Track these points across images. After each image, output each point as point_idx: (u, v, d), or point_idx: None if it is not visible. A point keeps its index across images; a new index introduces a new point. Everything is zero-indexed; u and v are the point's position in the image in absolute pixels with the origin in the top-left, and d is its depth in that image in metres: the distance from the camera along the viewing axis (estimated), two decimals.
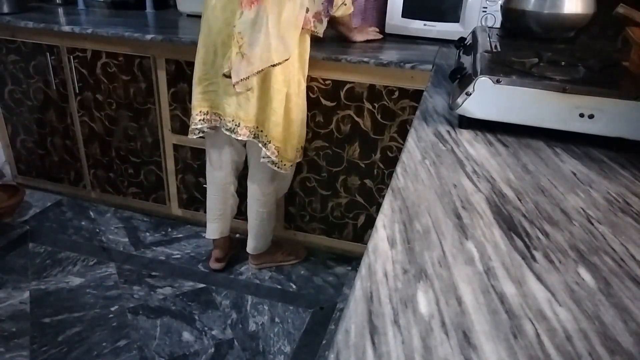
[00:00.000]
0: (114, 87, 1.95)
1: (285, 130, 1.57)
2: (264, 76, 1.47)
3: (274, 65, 1.43)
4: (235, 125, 1.53)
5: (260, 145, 1.56)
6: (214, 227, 1.85)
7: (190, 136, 1.63)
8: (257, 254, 1.89)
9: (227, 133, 1.54)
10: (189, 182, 2.04)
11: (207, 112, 1.57)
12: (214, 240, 1.89)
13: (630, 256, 0.54)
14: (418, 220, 0.60)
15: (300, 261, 1.99)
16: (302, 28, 1.47)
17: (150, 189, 2.13)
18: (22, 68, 2.05)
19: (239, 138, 1.55)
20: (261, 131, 1.55)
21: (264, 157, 1.58)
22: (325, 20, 1.53)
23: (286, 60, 1.44)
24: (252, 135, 1.56)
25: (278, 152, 1.57)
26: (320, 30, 1.53)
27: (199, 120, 1.58)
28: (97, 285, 1.81)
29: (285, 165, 1.62)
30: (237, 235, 2.07)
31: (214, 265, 1.91)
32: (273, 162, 1.59)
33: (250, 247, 1.87)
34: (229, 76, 1.44)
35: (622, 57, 1.04)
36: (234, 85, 1.44)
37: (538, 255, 0.54)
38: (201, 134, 1.62)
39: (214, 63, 1.50)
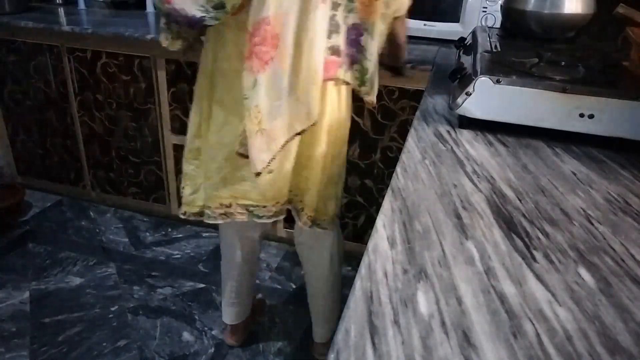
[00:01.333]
0: (114, 87, 1.95)
1: (323, 190, 1.25)
2: (292, 146, 1.14)
3: (298, 134, 1.11)
4: (263, 207, 1.21)
5: (293, 212, 1.28)
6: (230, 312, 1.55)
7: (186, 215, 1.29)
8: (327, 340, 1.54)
9: (264, 221, 1.23)
10: None
11: (230, 204, 1.21)
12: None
13: (630, 256, 0.54)
14: (418, 220, 0.60)
15: None
16: (327, 78, 1.10)
17: (150, 189, 2.13)
18: (22, 68, 2.05)
19: (278, 218, 1.24)
20: (295, 195, 1.26)
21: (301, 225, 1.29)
22: (346, 62, 1.13)
23: (312, 125, 1.11)
24: (288, 204, 1.27)
25: (312, 221, 1.26)
26: (347, 77, 1.14)
27: (220, 214, 1.22)
28: (97, 285, 1.81)
29: (327, 223, 1.29)
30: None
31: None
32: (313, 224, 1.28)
33: (319, 335, 1.54)
34: (245, 155, 1.09)
35: (622, 57, 1.04)
36: (257, 174, 1.09)
37: (538, 255, 0.54)
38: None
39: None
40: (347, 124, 1.24)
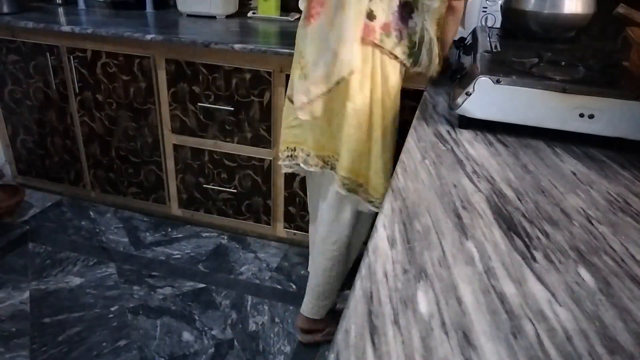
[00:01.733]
0: (114, 87, 1.95)
1: (363, 161, 1.31)
2: (335, 97, 1.25)
3: (338, 83, 1.20)
4: (306, 155, 1.38)
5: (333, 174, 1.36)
6: None
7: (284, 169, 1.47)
8: (312, 318, 1.55)
9: (313, 169, 1.39)
10: (189, 182, 2.04)
11: (294, 148, 1.40)
12: None
13: (630, 256, 0.54)
14: (418, 220, 0.60)
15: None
16: (363, 39, 1.17)
17: (150, 189, 2.13)
18: (22, 68, 2.05)
19: (311, 169, 1.38)
20: (337, 160, 1.34)
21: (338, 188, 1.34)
22: (394, 35, 1.19)
23: (349, 74, 1.19)
24: (325, 164, 1.38)
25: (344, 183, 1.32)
26: (388, 45, 1.19)
27: (287, 157, 1.42)
28: (97, 285, 1.81)
29: (374, 200, 1.34)
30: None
31: None
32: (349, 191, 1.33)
33: (306, 307, 1.55)
34: (291, 100, 1.31)
35: (622, 57, 1.05)
36: (299, 113, 1.27)
37: (538, 255, 0.54)
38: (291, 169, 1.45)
39: None
40: (396, 99, 1.31)
